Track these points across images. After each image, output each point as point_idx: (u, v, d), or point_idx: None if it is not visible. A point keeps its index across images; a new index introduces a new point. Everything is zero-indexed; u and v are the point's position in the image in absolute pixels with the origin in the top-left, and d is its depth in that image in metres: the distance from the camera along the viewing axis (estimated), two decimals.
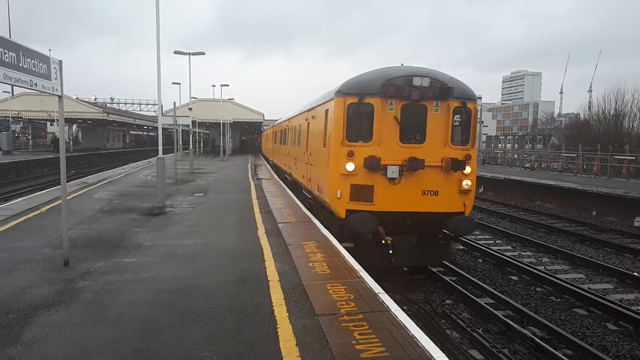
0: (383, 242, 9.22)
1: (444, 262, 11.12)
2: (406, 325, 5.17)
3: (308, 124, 13.52)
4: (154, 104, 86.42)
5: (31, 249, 8.45)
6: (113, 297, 6.12)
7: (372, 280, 6.71)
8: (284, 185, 19.81)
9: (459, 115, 9.79)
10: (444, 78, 9.62)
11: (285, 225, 10.82)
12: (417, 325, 5.29)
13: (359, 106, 9.41)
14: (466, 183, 9.65)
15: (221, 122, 45.48)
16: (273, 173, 26.54)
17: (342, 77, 10.63)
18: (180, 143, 39.18)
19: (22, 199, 15.73)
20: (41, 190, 20.02)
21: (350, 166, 9.41)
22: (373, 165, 9.31)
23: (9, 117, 48.56)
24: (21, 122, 59.56)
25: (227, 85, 47.28)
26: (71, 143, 57.87)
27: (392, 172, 9.32)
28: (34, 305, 5.75)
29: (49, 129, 78.05)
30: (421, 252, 9.82)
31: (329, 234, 9.81)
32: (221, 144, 47.05)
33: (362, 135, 9.59)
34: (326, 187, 10.08)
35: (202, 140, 62.70)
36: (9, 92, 52.31)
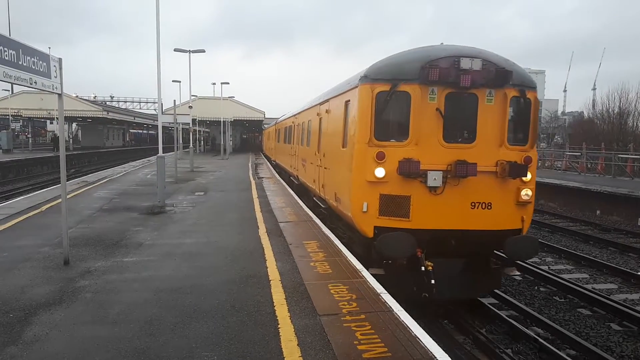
0: (422, 268, 7.49)
1: None
2: (409, 325, 5.13)
3: (320, 119, 11.75)
4: (154, 102, 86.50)
5: (31, 247, 8.41)
6: (113, 296, 6.08)
7: (374, 280, 6.67)
8: (285, 184, 19.76)
9: (514, 107, 7.98)
10: (498, 60, 7.80)
11: (287, 224, 10.77)
12: (420, 325, 5.24)
13: (392, 95, 7.58)
14: (525, 193, 7.83)
15: (222, 120, 45.38)
16: (274, 172, 26.49)
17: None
18: (181, 141, 39.13)
19: (22, 197, 15.74)
20: (41, 189, 20.02)
21: (379, 172, 7.58)
22: (410, 170, 7.49)
23: (8, 115, 48.56)
24: (21, 121, 59.77)
25: (228, 83, 47.17)
26: (71, 141, 57.87)
27: (434, 179, 7.49)
28: (34, 305, 5.72)
29: (49, 127, 78.03)
30: (469, 280, 8.02)
31: (331, 233, 9.70)
32: (222, 143, 46.94)
33: (395, 132, 7.89)
34: (347, 197, 8.32)
35: (202, 138, 62.66)
36: (9, 90, 52.37)
